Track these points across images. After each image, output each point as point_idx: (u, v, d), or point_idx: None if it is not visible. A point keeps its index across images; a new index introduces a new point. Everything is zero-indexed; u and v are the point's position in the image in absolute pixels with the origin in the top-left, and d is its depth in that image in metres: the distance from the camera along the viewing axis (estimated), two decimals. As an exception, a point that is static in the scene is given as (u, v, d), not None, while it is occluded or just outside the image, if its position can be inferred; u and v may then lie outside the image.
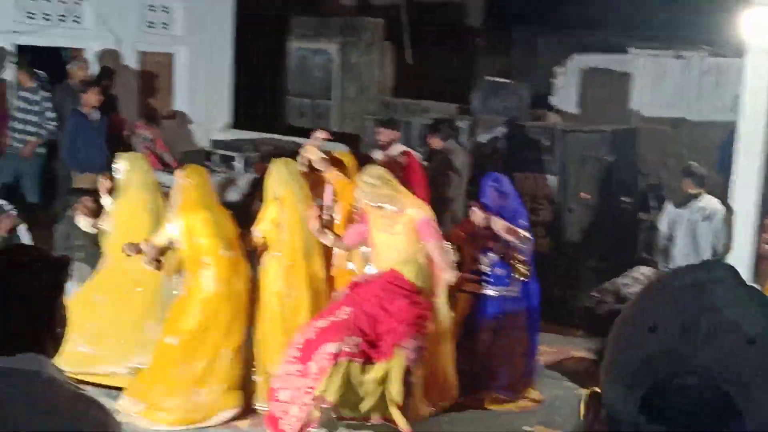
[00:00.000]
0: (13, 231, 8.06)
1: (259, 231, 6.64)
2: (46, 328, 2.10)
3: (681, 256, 8.45)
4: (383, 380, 5.60)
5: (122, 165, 7.23)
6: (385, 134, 8.69)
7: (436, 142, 9.12)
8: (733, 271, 1.21)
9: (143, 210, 7.12)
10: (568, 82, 13.89)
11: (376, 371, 5.59)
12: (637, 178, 10.58)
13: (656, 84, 13.18)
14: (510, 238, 6.74)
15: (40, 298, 2.09)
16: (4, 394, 1.99)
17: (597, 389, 1.26)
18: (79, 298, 6.76)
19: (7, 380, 2.01)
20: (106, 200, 7.45)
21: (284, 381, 5.61)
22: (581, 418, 1.28)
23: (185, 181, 6.60)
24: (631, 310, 1.25)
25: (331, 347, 5.39)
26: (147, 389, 6.41)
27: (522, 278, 6.85)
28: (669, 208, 8.75)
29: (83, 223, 7.74)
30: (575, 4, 15.89)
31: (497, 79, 11.60)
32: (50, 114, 9.69)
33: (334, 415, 5.59)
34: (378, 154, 8.38)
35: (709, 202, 8.50)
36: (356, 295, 5.78)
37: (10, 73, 10.06)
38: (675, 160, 12.99)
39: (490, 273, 6.88)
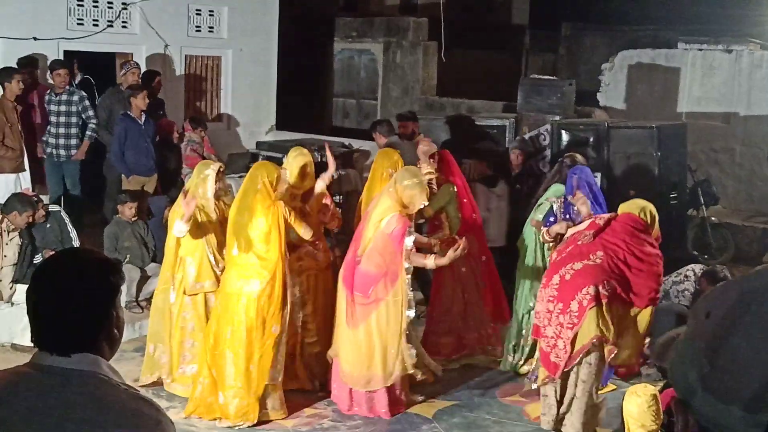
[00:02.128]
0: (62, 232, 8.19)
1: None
2: (102, 330, 2.13)
3: None
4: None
5: None
6: (408, 126, 9.54)
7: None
8: None
9: None
10: (615, 79, 13.74)
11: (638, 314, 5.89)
12: (686, 174, 10.40)
13: (706, 79, 12.97)
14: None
15: (95, 300, 2.12)
16: (60, 393, 2.03)
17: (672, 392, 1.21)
18: None
19: (63, 380, 2.06)
20: None
21: (548, 319, 5.90)
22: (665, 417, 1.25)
23: None
24: (740, 326, 1.16)
25: (592, 289, 5.67)
26: None
27: None
28: None
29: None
30: (622, 0, 15.74)
31: (541, 77, 11.52)
32: (90, 113, 9.74)
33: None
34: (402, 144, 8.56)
35: None
36: (605, 240, 5.94)
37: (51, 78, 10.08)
38: (727, 155, 12.77)
39: None
